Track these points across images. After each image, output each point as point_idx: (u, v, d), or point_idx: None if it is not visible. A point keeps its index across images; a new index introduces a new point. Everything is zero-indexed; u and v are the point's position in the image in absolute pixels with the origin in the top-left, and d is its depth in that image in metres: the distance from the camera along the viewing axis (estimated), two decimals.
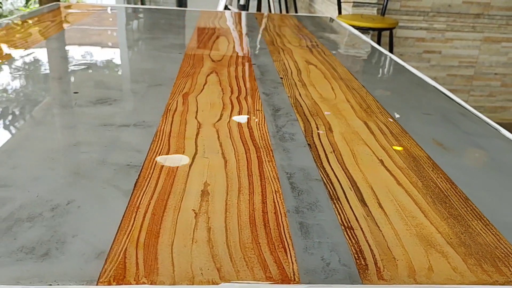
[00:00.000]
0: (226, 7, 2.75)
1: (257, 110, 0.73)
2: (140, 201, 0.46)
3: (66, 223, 0.42)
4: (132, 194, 0.47)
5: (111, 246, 0.39)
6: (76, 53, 1.01)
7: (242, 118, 0.69)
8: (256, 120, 0.69)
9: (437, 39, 3.11)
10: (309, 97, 0.80)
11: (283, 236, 0.42)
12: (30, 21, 1.32)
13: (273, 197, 0.48)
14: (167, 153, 0.56)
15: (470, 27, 3.10)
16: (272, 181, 0.51)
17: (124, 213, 0.44)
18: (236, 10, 2.64)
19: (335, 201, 0.48)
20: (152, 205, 0.45)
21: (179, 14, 1.66)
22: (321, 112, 0.73)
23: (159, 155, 0.56)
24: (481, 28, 3.11)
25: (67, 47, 1.06)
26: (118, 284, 0.35)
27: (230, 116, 0.70)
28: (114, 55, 1.03)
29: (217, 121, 0.68)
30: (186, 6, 5.45)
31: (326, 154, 0.59)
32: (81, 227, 0.41)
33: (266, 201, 0.47)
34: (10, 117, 0.65)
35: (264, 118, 0.70)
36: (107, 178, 0.50)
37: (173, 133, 0.63)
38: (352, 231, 0.43)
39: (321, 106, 0.76)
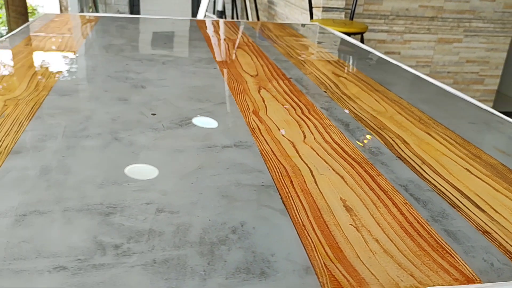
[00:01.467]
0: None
1: (330, 125, 0.80)
2: (301, 219, 0.51)
3: (256, 244, 0.46)
4: (288, 213, 0.52)
5: (311, 262, 0.44)
6: (115, 71, 1.03)
7: (325, 135, 0.75)
8: (336, 136, 0.75)
9: (397, 40, 3.30)
10: (364, 111, 0.88)
11: (441, 243, 0.49)
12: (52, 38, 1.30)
13: (406, 208, 0.55)
14: (287, 172, 0.62)
15: (426, 29, 3.32)
16: (394, 194, 0.58)
17: (296, 230, 0.49)
18: (215, 17, 2.67)
19: (457, 209, 0.56)
20: (313, 222, 0.51)
21: (172, 23, 1.68)
22: (385, 126, 0.81)
23: (280, 174, 0.61)
24: (435, 30, 3.34)
25: (95, 63, 1.07)
26: None
27: (312, 133, 0.76)
28: (155, 71, 1.05)
29: (304, 138, 0.73)
30: (139, 9, 5.37)
31: (420, 166, 0.66)
32: (272, 246, 0.46)
33: (403, 213, 0.54)
34: (124, 144, 0.68)
35: (342, 133, 0.76)
36: (255, 199, 0.54)
37: (275, 152, 0.68)
38: (489, 234, 0.51)
39: (381, 119, 0.84)
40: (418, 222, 0.52)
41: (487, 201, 0.58)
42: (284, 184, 0.59)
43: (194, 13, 5.71)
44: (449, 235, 0.50)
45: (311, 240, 0.48)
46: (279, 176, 0.61)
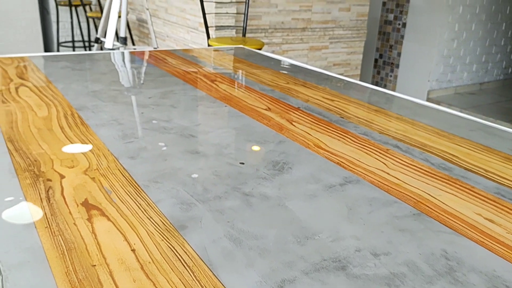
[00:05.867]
0: (97, 40, 2.61)
1: (387, 150, 0.92)
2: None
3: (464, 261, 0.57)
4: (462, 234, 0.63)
5: None
6: (141, 121, 1.00)
7: (399, 159, 0.87)
8: (407, 159, 0.88)
9: (276, 51, 3.57)
10: (398, 131, 1.02)
11: None
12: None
13: None
14: (420, 198, 0.72)
15: (299, 39, 3.65)
16: (498, 200, 0.73)
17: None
18: (120, 44, 2.55)
19: None
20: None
21: (104, 57, 1.62)
22: (424, 143, 0.97)
23: (416, 201, 0.71)
24: (307, 39, 3.69)
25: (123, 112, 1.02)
26: None
27: (390, 160, 0.87)
28: (177, 115, 1.04)
29: (387, 166, 0.84)
30: None
31: (484, 173, 0.83)
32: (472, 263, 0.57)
33: None
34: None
35: (410, 158, 0.89)
36: (415, 228, 0.64)
37: (384, 182, 0.78)
38: None
39: (417, 138, 0.99)
40: None
41: None
42: (429, 209, 0.69)
43: (45, 35, 5.27)
44: None
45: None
46: (416, 203, 0.71)
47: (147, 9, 2.60)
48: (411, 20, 4.34)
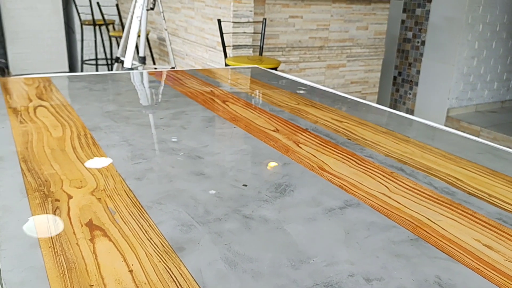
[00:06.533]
0: (118, 59, 2.69)
1: (392, 173, 0.92)
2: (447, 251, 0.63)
3: None
4: (427, 241, 0.63)
5: None
6: (152, 142, 1.03)
7: (401, 183, 0.88)
8: (410, 182, 0.88)
9: (294, 69, 3.59)
10: (404, 154, 1.03)
11: None
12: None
13: None
14: (417, 222, 0.73)
15: (317, 58, 3.67)
16: (500, 226, 0.73)
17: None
18: (138, 64, 2.63)
19: None
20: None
21: (121, 78, 1.67)
22: (426, 165, 0.97)
23: (415, 225, 0.72)
24: (324, 58, 3.71)
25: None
26: None
27: (392, 183, 0.87)
28: (186, 136, 1.07)
29: (389, 190, 0.85)
30: (6, 52, 4.94)
31: (488, 198, 0.82)
32: None
33: None
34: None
35: (408, 179, 0.90)
36: (414, 254, 0.64)
37: (386, 206, 0.78)
38: None
39: (422, 161, 1.00)
40: None
41: None
42: (427, 235, 0.69)
43: (70, 54, 5.43)
44: None
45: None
46: (414, 227, 0.71)
47: (166, 30, 2.66)
48: (430, 38, 4.32)
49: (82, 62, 5.10)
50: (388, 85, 4.87)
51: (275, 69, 2.95)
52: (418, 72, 4.54)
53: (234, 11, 3.00)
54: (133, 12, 2.44)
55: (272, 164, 0.94)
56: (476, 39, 4.20)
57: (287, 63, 3.54)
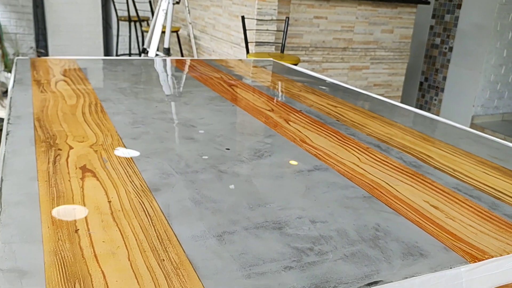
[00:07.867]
0: (144, 50, 2.84)
1: (367, 148, 0.99)
2: (412, 218, 0.69)
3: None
4: (400, 214, 0.70)
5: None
6: (153, 112, 1.13)
7: (373, 155, 0.95)
8: (381, 155, 0.95)
9: (316, 69, 3.66)
10: (386, 135, 1.09)
11: (509, 222, 0.70)
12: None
13: (469, 203, 0.76)
14: (376, 185, 0.80)
15: (340, 58, 3.72)
16: (453, 193, 0.79)
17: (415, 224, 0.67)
18: (162, 55, 2.76)
19: (502, 200, 0.78)
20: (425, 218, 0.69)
21: (149, 64, 1.78)
22: (405, 145, 1.03)
23: (372, 187, 0.79)
24: (348, 59, 3.76)
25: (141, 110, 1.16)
26: None
27: (364, 155, 0.94)
28: (186, 110, 1.17)
29: (360, 160, 0.92)
30: (46, 44, 5.20)
31: (453, 173, 0.88)
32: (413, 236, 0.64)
33: (469, 205, 0.75)
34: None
35: (386, 156, 0.96)
36: (369, 207, 0.72)
37: (352, 172, 0.85)
38: None
39: (401, 141, 1.06)
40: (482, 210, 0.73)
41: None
42: (381, 194, 0.76)
43: (106, 48, 5.66)
44: (510, 217, 0.72)
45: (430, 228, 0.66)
46: (371, 189, 0.78)
47: (190, 23, 2.78)
48: (458, 44, 4.30)
49: (117, 56, 5.31)
50: (413, 90, 4.86)
51: (295, 65, 3.03)
52: (444, 78, 4.52)
53: (258, 9, 3.10)
54: (160, 5, 2.59)
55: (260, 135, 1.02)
56: (505, 47, 4.15)
57: (310, 62, 3.61)
